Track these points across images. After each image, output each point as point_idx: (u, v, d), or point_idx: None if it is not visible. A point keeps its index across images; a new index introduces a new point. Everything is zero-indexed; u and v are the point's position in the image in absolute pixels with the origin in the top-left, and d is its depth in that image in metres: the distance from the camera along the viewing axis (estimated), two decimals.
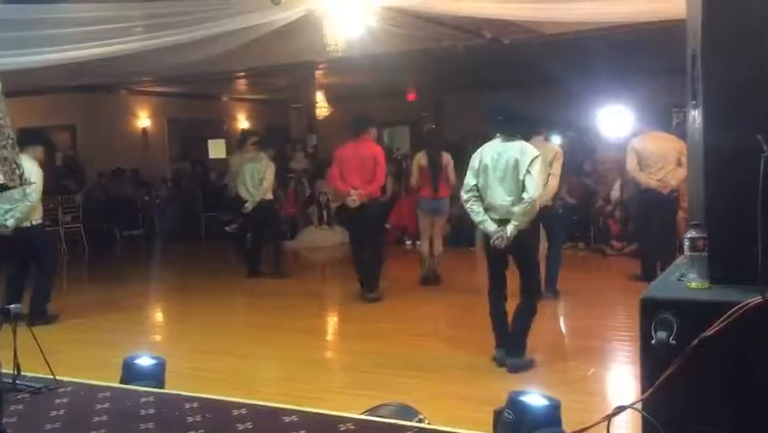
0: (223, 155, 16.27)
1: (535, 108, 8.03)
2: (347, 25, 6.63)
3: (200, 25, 6.67)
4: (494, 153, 4.75)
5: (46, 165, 6.93)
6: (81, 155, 14.60)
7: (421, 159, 7.82)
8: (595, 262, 9.31)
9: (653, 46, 9.31)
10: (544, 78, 11.54)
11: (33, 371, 3.78)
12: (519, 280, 4.87)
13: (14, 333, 3.52)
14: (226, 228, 11.60)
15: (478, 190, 4.81)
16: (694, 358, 2.19)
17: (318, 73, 13.28)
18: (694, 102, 2.56)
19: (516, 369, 4.70)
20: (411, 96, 16.06)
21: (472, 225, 9.77)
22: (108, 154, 14.26)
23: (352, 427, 3.01)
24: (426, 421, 3.17)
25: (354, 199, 7.06)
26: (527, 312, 4.84)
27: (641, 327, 2.32)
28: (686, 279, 2.44)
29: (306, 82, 13.57)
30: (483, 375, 4.71)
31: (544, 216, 6.18)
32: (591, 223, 10.18)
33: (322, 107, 14.68)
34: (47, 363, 3.70)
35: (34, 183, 6.31)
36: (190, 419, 3.17)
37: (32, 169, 6.33)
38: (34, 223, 6.53)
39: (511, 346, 4.80)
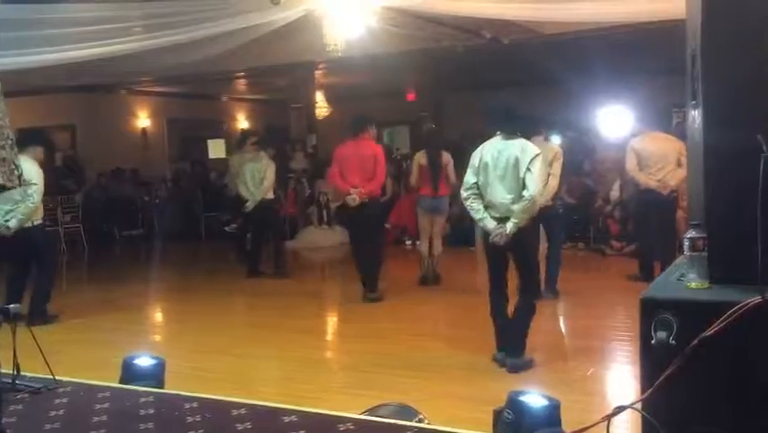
0: (222, 155, 16.28)
1: (535, 108, 8.05)
2: (347, 25, 6.63)
3: (199, 25, 6.67)
4: (494, 151, 4.75)
5: (46, 165, 6.93)
6: (81, 155, 14.61)
7: (421, 158, 7.82)
8: (594, 262, 9.31)
9: (653, 46, 9.31)
10: (544, 78, 11.55)
11: (33, 371, 3.77)
12: (518, 279, 4.88)
13: (14, 333, 3.51)
14: (226, 228, 11.60)
15: (478, 188, 4.81)
16: (694, 358, 2.19)
17: (318, 73, 13.28)
18: (694, 102, 2.56)
19: (515, 369, 4.70)
20: (411, 97, 16.06)
21: (472, 225, 9.89)
22: (108, 154, 14.25)
23: (351, 427, 3.00)
24: (426, 421, 3.17)
25: (354, 198, 7.06)
26: (526, 312, 4.84)
27: (641, 326, 2.32)
28: (686, 279, 2.44)
29: (305, 82, 13.58)
30: (483, 375, 4.71)
31: (544, 216, 6.18)
32: (591, 223, 10.18)
33: (321, 107, 14.68)
34: (46, 363, 3.69)
35: (35, 184, 6.31)
36: (190, 419, 3.17)
37: (32, 169, 6.33)
38: (35, 223, 6.52)
39: (510, 346, 4.80)
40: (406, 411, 3.24)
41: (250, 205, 8.66)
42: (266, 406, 3.35)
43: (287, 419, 3.12)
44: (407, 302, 7.19)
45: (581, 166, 10.83)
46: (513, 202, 4.66)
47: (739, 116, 2.36)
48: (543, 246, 6.65)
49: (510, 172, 4.68)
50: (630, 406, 2.37)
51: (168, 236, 12.98)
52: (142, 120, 15.80)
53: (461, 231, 10.43)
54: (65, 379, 3.78)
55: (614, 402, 3.52)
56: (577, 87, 11.93)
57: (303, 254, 10.97)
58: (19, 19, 6.12)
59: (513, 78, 12.68)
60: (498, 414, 3.12)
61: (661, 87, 10.81)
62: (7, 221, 6.33)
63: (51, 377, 3.71)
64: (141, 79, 13.16)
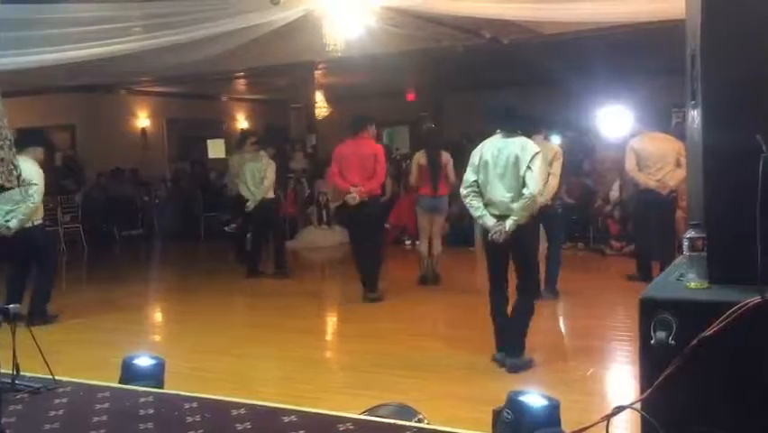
0: (222, 155, 16.28)
1: (535, 108, 8.05)
2: (346, 25, 6.63)
3: (199, 25, 6.67)
4: (494, 150, 4.75)
5: (46, 165, 6.93)
6: (80, 155, 14.61)
7: (420, 158, 7.82)
8: (594, 263, 9.31)
9: (653, 46, 9.32)
10: (544, 78, 11.55)
11: (32, 371, 3.77)
12: (517, 279, 4.87)
13: (13, 333, 3.51)
14: (225, 228, 11.59)
15: (478, 186, 4.81)
16: (693, 358, 2.19)
17: (317, 73, 13.28)
18: (693, 102, 2.56)
19: (515, 369, 4.70)
20: (410, 97, 16.06)
21: (471, 225, 9.90)
22: (107, 154, 14.25)
23: (351, 427, 3.00)
24: (426, 421, 3.17)
25: (354, 196, 7.06)
26: (525, 311, 4.84)
27: (640, 326, 2.32)
28: (685, 279, 2.44)
29: (305, 82, 13.58)
30: (482, 375, 4.71)
31: (544, 216, 6.19)
32: (591, 223, 10.19)
33: (321, 107, 14.68)
34: (46, 363, 3.69)
35: (36, 184, 6.32)
36: (189, 419, 3.17)
37: (32, 169, 6.33)
38: (35, 223, 6.52)
39: (510, 346, 4.80)
40: (406, 411, 3.24)
41: (250, 204, 8.67)
42: (266, 406, 3.35)
43: (286, 419, 3.12)
44: (407, 302, 7.19)
45: (581, 166, 10.83)
46: (513, 200, 4.66)
47: (739, 116, 2.36)
48: (542, 246, 6.65)
49: (510, 171, 4.68)
50: (629, 406, 2.37)
51: (167, 236, 12.97)
52: (142, 120, 15.80)
53: (461, 231, 10.44)
54: (64, 379, 3.77)
55: (613, 402, 3.53)
56: (577, 87, 11.93)
57: (302, 254, 10.97)
58: (19, 19, 6.12)
59: (513, 78, 12.69)
60: (497, 414, 3.12)
61: (660, 87, 10.81)
62: (8, 221, 6.33)
63: (51, 377, 3.71)
64: (140, 79, 13.17)
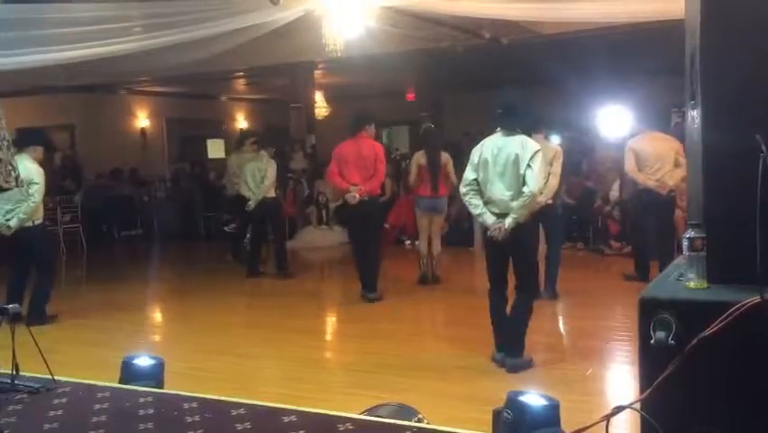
0: (222, 155, 16.28)
1: (534, 108, 8.04)
2: (346, 25, 6.63)
3: (199, 25, 6.67)
4: (494, 148, 4.75)
5: (46, 165, 6.92)
6: (80, 155, 14.61)
7: (420, 158, 7.82)
8: (594, 263, 9.31)
9: (652, 46, 9.32)
10: (543, 78, 11.55)
11: (32, 371, 3.77)
12: (516, 278, 4.87)
13: (13, 333, 3.52)
14: (225, 228, 11.60)
15: (477, 184, 4.80)
16: (693, 358, 2.19)
17: (317, 73, 13.29)
18: (693, 102, 2.56)
19: (514, 369, 4.70)
20: (410, 97, 16.07)
21: (471, 225, 9.89)
22: (107, 154, 14.26)
23: (351, 427, 3.00)
24: (425, 421, 3.17)
25: (354, 196, 7.06)
26: (524, 311, 4.84)
27: (640, 326, 2.32)
28: (685, 279, 2.44)
29: (305, 82, 13.58)
30: (482, 375, 4.71)
31: (545, 216, 6.18)
32: (590, 223, 10.19)
33: (321, 107, 14.69)
34: (45, 363, 3.69)
35: (37, 183, 6.32)
36: (189, 419, 3.17)
37: (33, 168, 6.34)
38: (36, 223, 6.53)
39: (509, 346, 4.80)
40: (406, 411, 3.24)
41: (252, 203, 8.66)
42: (265, 406, 3.34)
43: (286, 419, 3.12)
44: (407, 302, 7.20)
45: (580, 166, 10.83)
46: (512, 199, 4.66)
47: (738, 116, 2.36)
48: (542, 247, 6.65)
49: (510, 169, 4.68)
50: (629, 406, 2.37)
51: (167, 236, 12.98)
52: (142, 120, 15.80)
53: (461, 231, 10.44)
54: (64, 379, 3.77)
55: (613, 402, 3.53)
56: (576, 87, 11.94)
57: (302, 254, 10.97)
58: (19, 19, 6.12)
59: (512, 78, 12.67)
60: (497, 414, 3.12)
61: (660, 87, 10.83)
62: (8, 220, 6.33)
63: (50, 377, 3.71)
64: (140, 79, 13.16)
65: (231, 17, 6.61)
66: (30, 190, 6.26)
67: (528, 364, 4.79)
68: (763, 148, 2.21)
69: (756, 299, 2.15)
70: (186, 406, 3.33)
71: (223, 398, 3.49)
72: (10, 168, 2.60)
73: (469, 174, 4.83)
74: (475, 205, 4.80)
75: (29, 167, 6.33)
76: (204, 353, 5.56)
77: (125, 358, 3.92)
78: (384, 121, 14.58)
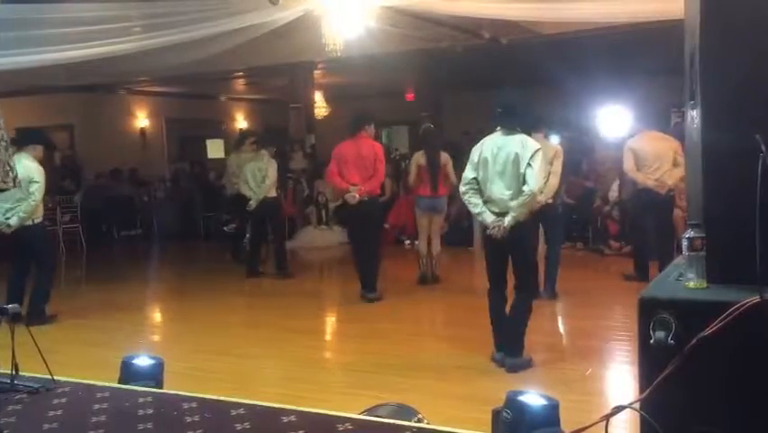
0: (221, 155, 16.28)
1: (534, 108, 8.04)
2: (345, 25, 6.63)
3: (199, 25, 6.67)
4: (494, 147, 4.75)
5: (46, 164, 6.93)
6: (79, 155, 14.60)
7: (420, 158, 7.82)
8: (593, 263, 9.31)
9: (652, 46, 9.32)
10: (543, 78, 11.55)
11: (31, 371, 3.77)
12: (515, 278, 4.87)
13: (12, 333, 3.51)
14: (225, 228, 11.60)
15: (477, 183, 4.80)
16: (692, 358, 2.19)
17: (317, 73, 13.29)
18: (692, 102, 2.56)
19: (514, 369, 4.70)
20: (410, 97, 16.06)
21: (470, 225, 9.89)
22: (106, 154, 14.25)
23: (350, 427, 3.00)
24: (425, 421, 3.17)
25: (354, 196, 7.06)
26: (523, 311, 4.84)
27: (639, 326, 2.32)
28: (684, 278, 2.44)
29: (304, 82, 13.57)
30: (482, 375, 4.71)
31: (545, 216, 6.18)
32: (590, 223, 10.19)
33: (320, 107, 14.68)
34: (45, 363, 3.69)
35: (38, 182, 6.33)
36: (189, 419, 3.17)
37: (33, 167, 6.36)
38: (36, 221, 6.53)
39: (509, 346, 4.80)
40: (405, 411, 3.24)
41: (253, 203, 8.66)
42: (265, 406, 3.34)
43: (286, 419, 3.12)
44: (407, 302, 7.20)
45: (579, 166, 10.84)
46: (512, 198, 4.66)
47: (738, 116, 2.36)
48: (541, 247, 6.65)
49: (510, 168, 4.67)
50: (629, 406, 2.37)
51: (166, 236, 12.98)
52: (141, 120, 15.80)
53: (460, 231, 10.44)
54: (63, 379, 3.77)
55: (613, 402, 3.53)
56: (576, 87, 11.94)
57: (301, 254, 10.97)
58: (19, 19, 6.12)
59: (512, 78, 12.67)
60: (496, 414, 3.12)
61: (660, 87, 10.82)
62: (8, 218, 6.34)
63: (50, 377, 3.70)
64: (139, 79, 13.16)
65: (230, 17, 6.61)
66: (30, 189, 6.27)
67: (528, 364, 4.79)
68: (763, 148, 2.21)
69: (756, 298, 2.15)
70: (185, 406, 3.33)
71: (222, 398, 3.48)
72: (8, 168, 2.60)
73: (468, 173, 4.82)
74: (474, 204, 4.80)
75: (29, 165, 6.34)
76: (203, 353, 5.56)
77: (125, 358, 3.92)
78: (384, 121, 14.59)
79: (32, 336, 3.70)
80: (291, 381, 4.80)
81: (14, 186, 2.67)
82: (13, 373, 3.60)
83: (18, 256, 6.61)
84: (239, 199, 8.99)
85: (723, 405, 2.21)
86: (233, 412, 3.23)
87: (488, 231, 4.74)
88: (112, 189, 13.79)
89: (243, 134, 10.61)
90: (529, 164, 4.62)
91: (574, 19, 7.42)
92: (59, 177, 13.39)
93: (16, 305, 3.77)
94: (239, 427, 3.06)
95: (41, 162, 6.63)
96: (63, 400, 3.52)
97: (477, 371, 4.79)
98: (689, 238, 2.41)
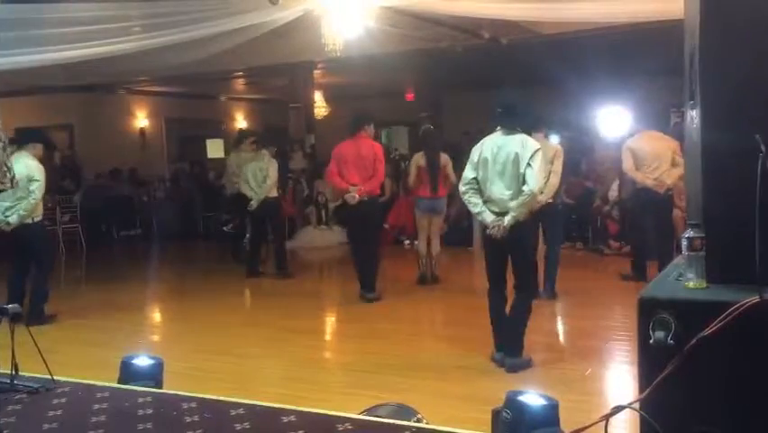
0: (221, 155, 16.27)
1: (534, 108, 8.04)
2: (345, 25, 6.63)
3: (198, 25, 6.67)
4: (494, 147, 4.75)
5: (46, 163, 6.94)
6: (79, 155, 14.59)
7: (419, 159, 7.82)
8: (593, 262, 9.31)
9: (652, 46, 9.32)
10: (543, 78, 11.55)
11: (31, 371, 3.76)
12: (514, 277, 4.87)
13: (12, 333, 3.51)
14: (224, 228, 11.60)
15: (477, 183, 4.81)
16: (692, 358, 2.19)
17: (316, 73, 13.29)
18: (692, 102, 2.56)
19: (514, 369, 4.70)
20: (409, 97, 16.05)
21: (470, 225, 9.88)
22: (106, 154, 14.25)
23: (350, 427, 3.00)
24: (425, 421, 3.17)
25: (354, 196, 7.06)
26: (523, 310, 4.84)
27: (639, 326, 2.32)
28: (684, 278, 2.44)
29: (304, 82, 13.57)
30: (481, 375, 4.72)
31: (545, 215, 6.18)
32: (589, 223, 10.19)
33: (320, 107, 14.68)
34: (45, 363, 3.69)
35: (38, 181, 6.34)
36: (188, 419, 3.17)
37: (33, 165, 6.37)
38: (35, 220, 6.54)
39: (508, 346, 4.80)
40: (405, 411, 3.24)
41: (254, 203, 8.65)
42: (265, 406, 3.34)
43: (285, 419, 3.12)
44: (406, 302, 7.20)
45: (579, 166, 10.84)
46: (512, 198, 4.66)
47: (737, 116, 2.36)
48: (541, 247, 6.65)
49: (509, 168, 4.67)
50: (628, 406, 2.37)
51: (166, 236, 12.97)
52: (141, 120, 15.79)
53: (460, 231, 10.44)
54: (63, 379, 3.77)
55: (612, 402, 3.52)
56: (575, 87, 11.94)
57: (301, 254, 10.97)
58: (18, 19, 6.12)
59: (512, 78, 12.68)
60: (496, 414, 3.12)
61: (659, 87, 10.82)
62: (7, 216, 6.34)
63: (50, 377, 3.70)
64: (139, 79, 13.16)
65: (230, 17, 6.61)
66: (30, 187, 6.28)
67: (527, 364, 4.79)
68: (763, 148, 2.21)
69: (755, 298, 2.15)
70: (185, 406, 3.33)
71: (222, 398, 3.48)
72: (5, 169, 2.61)
73: (468, 173, 4.82)
74: (474, 203, 4.80)
75: (29, 164, 6.35)
76: (203, 353, 5.56)
77: (124, 358, 3.92)
78: (383, 121, 14.58)
79: (32, 336, 3.70)
80: (291, 381, 4.80)
81: (12, 186, 2.67)
82: (13, 372, 3.60)
83: (17, 256, 6.61)
84: (239, 199, 8.99)
85: (723, 405, 2.21)
86: (233, 412, 3.23)
87: (487, 231, 4.74)
88: (111, 189, 13.79)
89: (243, 134, 10.59)
90: (529, 164, 4.62)
91: (574, 19, 7.42)
92: (59, 177, 13.38)
93: (16, 305, 3.77)
94: (238, 427, 3.06)
95: (42, 161, 6.63)
96: (63, 400, 3.52)
97: (477, 371, 4.80)
98: (688, 238, 2.41)
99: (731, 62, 2.38)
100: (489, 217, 4.72)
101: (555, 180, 6.35)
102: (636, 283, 6.96)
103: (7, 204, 6.30)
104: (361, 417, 3.19)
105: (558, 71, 10.54)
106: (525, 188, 4.61)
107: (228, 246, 10.55)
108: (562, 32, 8.57)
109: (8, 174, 2.61)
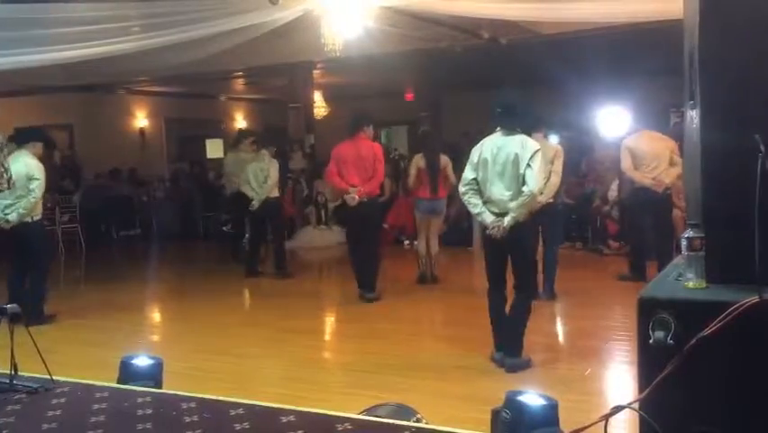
0: (221, 155, 16.23)
1: (534, 108, 8.05)
2: (345, 25, 6.63)
3: (198, 25, 6.67)
4: (494, 147, 4.75)
5: (46, 163, 6.94)
6: (78, 155, 14.59)
7: (419, 161, 7.83)
8: (592, 263, 9.31)
9: (651, 46, 9.32)
10: (542, 78, 11.55)
11: (30, 371, 3.76)
12: (514, 278, 4.87)
13: (12, 333, 3.51)
14: (224, 228, 11.60)
15: (477, 184, 4.81)
16: (692, 358, 2.19)
17: (316, 73, 13.28)
18: (692, 102, 2.56)
19: (513, 369, 4.70)
20: (409, 97, 16.05)
21: (470, 225, 9.88)
22: (106, 154, 14.25)
23: (349, 427, 3.00)
24: (424, 421, 3.17)
25: (354, 197, 7.06)
26: (523, 311, 4.84)
27: (638, 326, 2.32)
28: (683, 278, 2.44)
29: (303, 82, 13.57)
30: (481, 375, 4.72)
31: (545, 215, 6.17)
32: (589, 223, 10.19)
33: (320, 107, 14.68)
34: (44, 363, 3.68)
35: (38, 179, 6.35)
36: (188, 419, 3.17)
37: (33, 164, 6.37)
38: (34, 219, 6.54)
39: (508, 346, 4.80)
40: (405, 411, 3.24)
41: (255, 203, 8.65)
42: (264, 406, 3.34)
43: (285, 419, 3.11)
44: (405, 302, 7.20)
45: (579, 166, 10.84)
46: (511, 199, 4.66)
47: (737, 116, 2.36)
48: (541, 247, 6.64)
49: (509, 169, 4.67)
50: (628, 406, 2.38)
51: (166, 236, 12.97)
52: (140, 120, 15.79)
53: (459, 231, 10.44)
54: (62, 379, 3.77)
55: (612, 402, 3.52)
56: (575, 87, 11.94)
57: (301, 254, 10.97)
58: (18, 19, 6.11)
59: (511, 78, 12.68)
60: (496, 414, 3.12)
61: (659, 87, 10.82)
62: (7, 215, 6.34)
63: (49, 377, 3.70)
64: (139, 79, 13.15)
65: (229, 17, 6.61)
66: (30, 186, 6.29)
67: (527, 364, 4.79)
68: (762, 148, 2.21)
69: (755, 298, 2.15)
70: (184, 406, 3.33)
71: (221, 398, 3.48)
72: (2, 170, 2.60)
73: (468, 173, 4.82)
74: (474, 204, 4.80)
75: (29, 163, 6.35)
76: (202, 353, 5.56)
77: (124, 358, 3.92)
78: (383, 121, 14.58)
79: (31, 336, 3.70)
80: (290, 381, 4.80)
81: (9, 187, 2.67)
82: (12, 373, 3.60)
83: (17, 254, 6.60)
84: (239, 198, 8.99)
85: (722, 405, 2.21)
86: (233, 412, 3.23)
87: (487, 231, 4.74)
88: (111, 189, 13.78)
89: (242, 134, 10.59)
90: (529, 165, 4.62)
91: (574, 19, 7.42)
92: (59, 176, 13.38)
93: (16, 305, 3.77)
94: (238, 427, 3.05)
95: (41, 160, 6.63)
96: (62, 400, 3.52)
97: (476, 371, 4.80)
98: (688, 238, 2.42)
99: (731, 62, 2.38)
100: (488, 218, 4.72)
101: (556, 180, 6.35)
102: (636, 283, 6.95)
103: (7, 202, 6.31)
104: (360, 417, 3.19)
105: (558, 71, 10.54)
106: (524, 188, 4.61)
107: (228, 246, 10.55)
108: (561, 32, 8.57)
109: (5, 175, 2.61)
